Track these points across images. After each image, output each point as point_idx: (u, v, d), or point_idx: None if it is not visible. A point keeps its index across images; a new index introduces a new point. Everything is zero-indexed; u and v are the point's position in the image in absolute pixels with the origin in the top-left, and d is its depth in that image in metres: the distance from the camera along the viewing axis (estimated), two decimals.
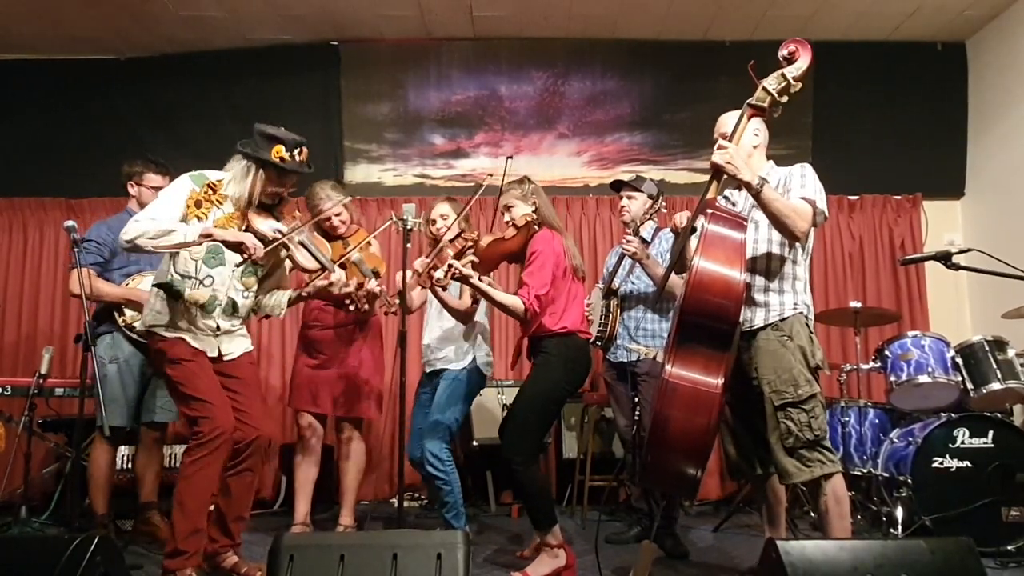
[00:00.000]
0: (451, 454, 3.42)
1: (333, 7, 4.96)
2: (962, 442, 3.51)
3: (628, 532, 3.78)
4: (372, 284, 3.33)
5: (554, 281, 3.00)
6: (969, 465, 3.48)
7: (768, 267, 2.61)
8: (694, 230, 2.60)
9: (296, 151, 2.79)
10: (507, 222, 3.13)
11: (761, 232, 2.61)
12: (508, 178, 3.27)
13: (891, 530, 3.58)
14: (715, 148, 2.48)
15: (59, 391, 4.06)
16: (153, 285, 2.85)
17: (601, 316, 3.57)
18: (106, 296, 3.54)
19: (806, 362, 2.52)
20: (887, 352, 4.02)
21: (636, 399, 3.55)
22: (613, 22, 5.21)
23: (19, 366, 5.05)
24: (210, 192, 2.80)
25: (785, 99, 2.47)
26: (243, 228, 2.83)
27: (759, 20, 5.12)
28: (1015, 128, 4.95)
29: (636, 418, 3.51)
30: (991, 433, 3.50)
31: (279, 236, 2.81)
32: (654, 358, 3.38)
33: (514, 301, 2.97)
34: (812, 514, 3.95)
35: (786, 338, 2.54)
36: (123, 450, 4.07)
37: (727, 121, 2.70)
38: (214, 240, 2.72)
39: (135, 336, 3.50)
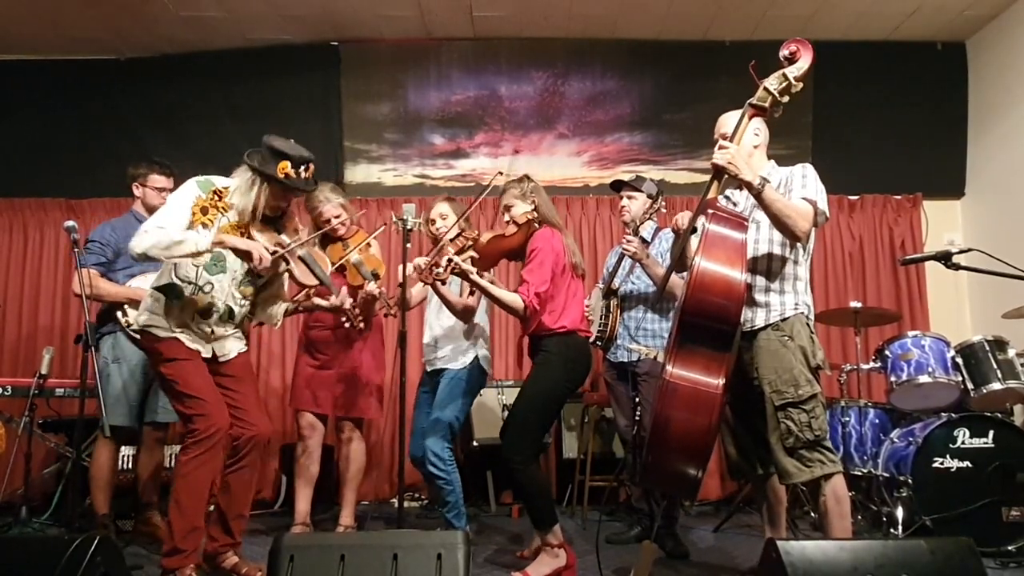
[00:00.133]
0: (452, 454, 3.42)
1: (333, 7, 4.96)
2: (962, 442, 3.51)
3: (628, 532, 3.78)
4: (372, 286, 3.34)
5: (553, 279, 2.99)
6: (969, 465, 3.48)
7: (769, 267, 2.61)
8: (695, 230, 2.60)
9: (302, 168, 2.78)
10: (507, 221, 3.13)
11: (762, 232, 2.61)
12: (507, 179, 3.28)
13: (891, 530, 3.58)
14: (716, 148, 2.48)
15: (59, 391, 4.06)
16: (153, 288, 2.85)
17: (601, 316, 3.57)
18: (108, 296, 3.54)
19: (807, 362, 2.52)
20: (887, 352, 4.02)
21: (636, 399, 3.55)
22: (613, 22, 5.21)
23: (19, 366, 5.06)
24: (216, 199, 2.80)
25: (786, 99, 2.47)
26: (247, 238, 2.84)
27: (759, 20, 5.12)
28: (1015, 128, 4.94)
29: (637, 418, 3.51)
30: (991, 433, 3.50)
31: (279, 249, 2.81)
32: (655, 358, 3.38)
33: (513, 298, 2.97)
34: (812, 514, 3.96)
35: (787, 338, 2.54)
36: (124, 450, 4.06)
37: (727, 121, 2.70)
38: (225, 247, 2.73)
39: (137, 336, 3.50)
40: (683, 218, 2.93)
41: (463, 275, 2.93)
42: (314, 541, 2.31)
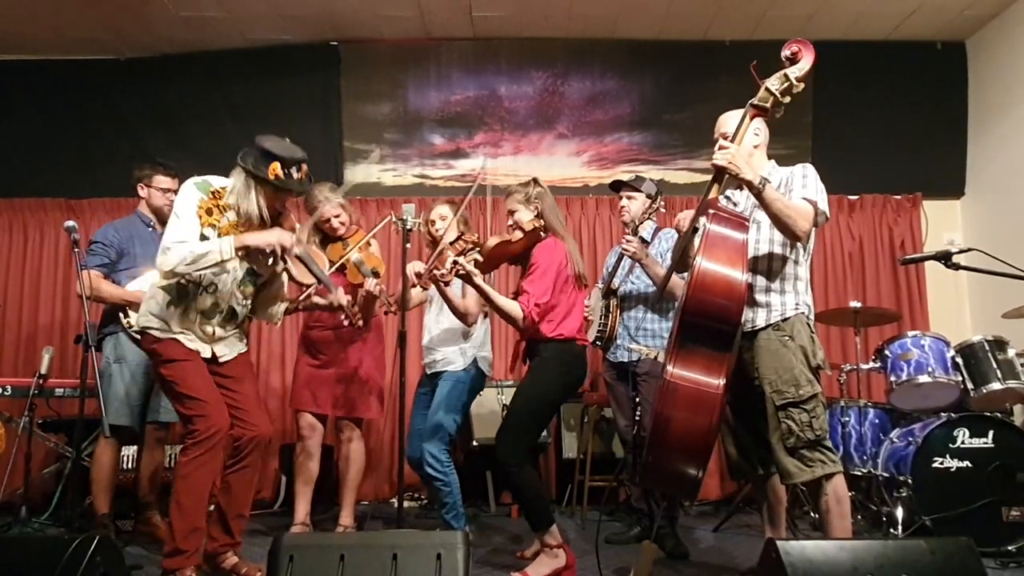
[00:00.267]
0: (450, 455, 3.42)
1: (333, 7, 4.96)
2: (962, 442, 3.51)
3: (628, 532, 3.78)
4: (371, 284, 3.34)
5: (554, 290, 3.00)
6: (969, 465, 3.48)
7: (770, 267, 2.61)
8: (696, 230, 2.60)
9: (294, 168, 2.76)
10: (510, 226, 3.13)
11: (763, 232, 2.61)
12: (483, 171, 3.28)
13: (891, 530, 3.58)
14: (716, 148, 2.48)
15: (59, 391, 4.06)
16: (158, 287, 2.83)
17: (601, 316, 3.57)
18: (109, 297, 3.55)
19: (807, 362, 2.53)
20: (887, 352, 4.02)
21: (636, 399, 3.55)
22: (613, 22, 5.21)
23: (19, 366, 5.06)
24: (216, 199, 2.79)
25: (788, 99, 2.47)
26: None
27: (759, 20, 5.12)
28: (1015, 128, 4.94)
29: (636, 418, 3.51)
30: (991, 433, 3.50)
31: (293, 234, 2.82)
32: (655, 358, 3.38)
33: (513, 307, 2.98)
34: (812, 514, 3.96)
35: (787, 338, 2.54)
36: (126, 450, 4.06)
37: (728, 120, 2.70)
38: (248, 249, 2.73)
39: (139, 337, 3.51)
40: (684, 218, 2.93)
41: (467, 278, 2.94)
42: (314, 541, 2.31)
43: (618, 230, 4.85)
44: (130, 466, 4.05)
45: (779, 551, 1.95)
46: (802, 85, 2.46)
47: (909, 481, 3.52)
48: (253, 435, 2.86)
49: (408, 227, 3.21)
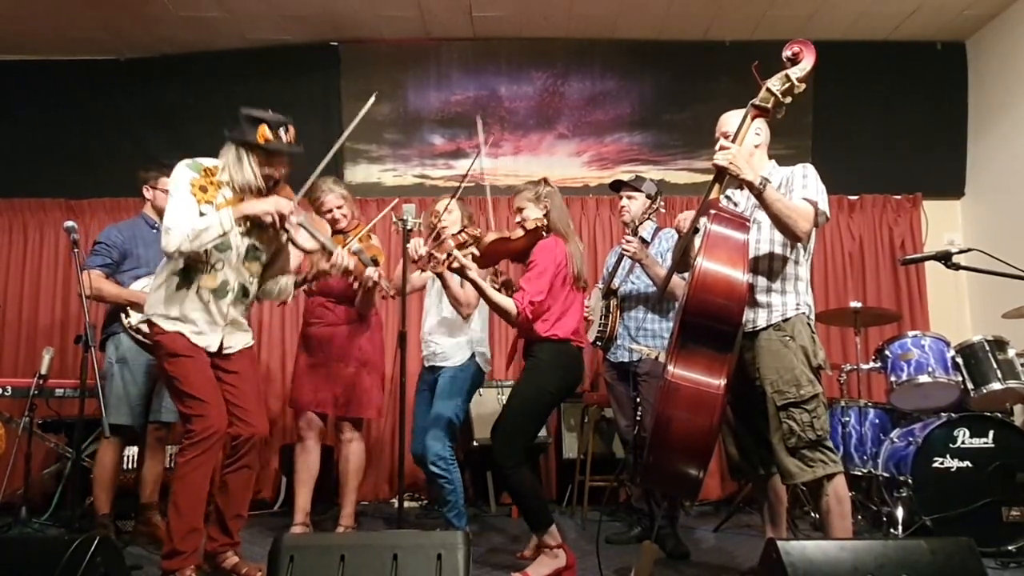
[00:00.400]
0: (454, 453, 3.42)
1: (333, 7, 4.96)
2: (962, 442, 3.51)
3: (629, 532, 3.78)
4: (371, 271, 3.33)
5: (551, 289, 3.00)
6: (969, 465, 3.48)
7: (770, 267, 2.61)
8: (697, 231, 2.60)
9: (282, 130, 2.78)
10: (518, 222, 3.13)
11: (763, 232, 2.61)
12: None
13: (892, 530, 3.58)
14: (717, 148, 2.48)
15: (59, 392, 4.06)
16: (165, 273, 2.82)
17: (601, 316, 3.57)
18: (110, 297, 3.55)
19: (808, 362, 2.53)
20: (887, 352, 4.02)
21: (637, 399, 3.55)
22: (613, 22, 5.21)
23: (19, 367, 5.06)
24: (208, 176, 2.80)
25: (789, 100, 2.48)
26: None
27: (759, 20, 5.12)
28: (1015, 128, 4.95)
29: (637, 418, 3.51)
30: (991, 433, 3.50)
31: (292, 201, 2.82)
32: (655, 358, 3.38)
33: (508, 303, 2.99)
34: (813, 514, 3.96)
35: (788, 338, 2.54)
36: (128, 450, 4.06)
37: (729, 120, 2.70)
38: (247, 217, 2.74)
39: (140, 338, 3.52)
40: (685, 219, 2.93)
41: (461, 271, 2.93)
42: (314, 541, 2.32)
43: (618, 230, 4.85)
44: (131, 467, 4.05)
45: (780, 551, 1.95)
46: (803, 86, 2.46)
47: (909, 481, 3.52)
48: (251, 434, 2.86)
49: (408, 227, 3.21)
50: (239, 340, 2.93)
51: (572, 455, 4.67)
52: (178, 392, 2.77)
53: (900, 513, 3.56)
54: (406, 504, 3.72)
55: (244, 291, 2.89)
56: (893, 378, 3.94)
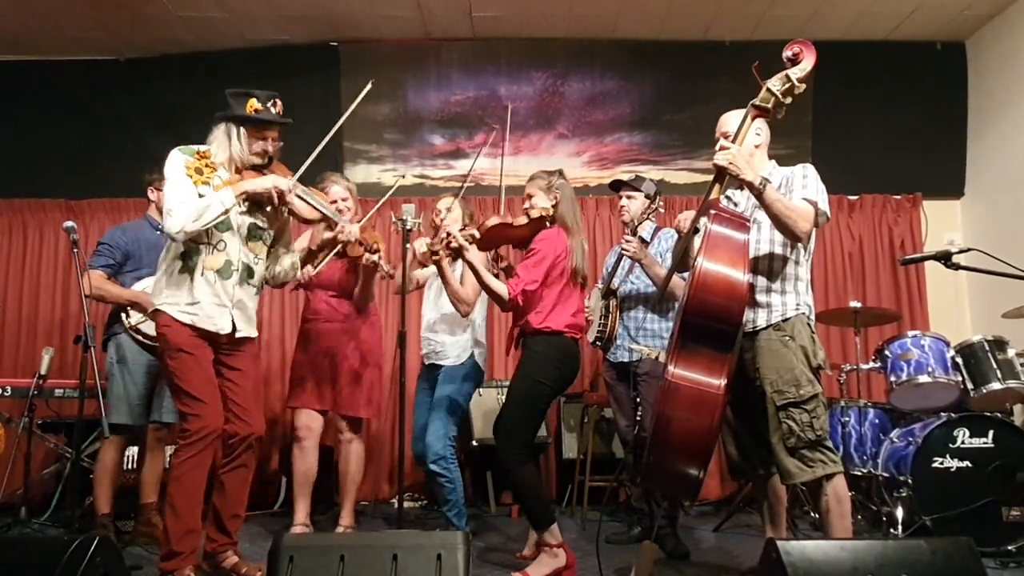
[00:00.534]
0: (455, 452, 3.42)
1: (333, 7, 4.96)
2: (962, 442, 3.51)
3: (629, 532, 3.78)
4: (371, 255, 3.33)
5: (547, 280, 3.00)
6: (969, 465, 3.48)
7: (770, 268, 2.61)
8: (697, 231, 2.60)
9: (270, 103, 2.81)
10: (525, 208, 3.14)
11: (763, 232, 2.61)
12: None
13: (891, 530, 3.58)
14: (717, 148, 2.48)
15: (59, 392, 4.05)
16: (168, 258, 2.82)
17: (600, 316, 3.57)
18: (111, 298, 3.56)
19: (808, 362, 2.53)
20: (887, 352, 4.02)
21: (637, 399, 3.55)
22: (613, 22, 5.21)
23: (19, 367, 5.06)
24: (202, 158, 2.82)
25: (789, 100, 2.48)
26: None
27: (759, 20, 5.12)
28: (1015, 128, 4.95)
29: (637, 419, 3.51)
30: (991, 433, 3.50)
31: (289, 179, 2.84)
32: (655, 358, 3.38)
33: (501, 288, 3.01)
34: (813, 514, 3.96)
35: (788, 338, 2.54)
36: (129, 450, 4.06)
37: (729, 120, 2.70)
38: (247, 193, 2.76)
39: (140, 338, 3.53)
40: (685, 219, 2.93)
41: (459, 251, 2.94)
42: (314, 541, 2.32)
43: (618, 230, 4.86)
44: (131, 467, 4.05)
45: (779, 551, 1.95)
46: (803, 86, 2.46)
47: (909, 481, 3.52)
48: (248, 433, 2.85)
49: (408, 227, 3.22)
50: (249, 324, 2.92)
51: (572, 455, 4.67)
52: (176, 389, 2.76)
53: (900, 513, 3.56)
54: (406, 504, 3.72)
55: (249, 271, 2.89)
56: (893, 378, 3.93)
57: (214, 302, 2.79)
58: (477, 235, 2.98)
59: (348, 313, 3.66)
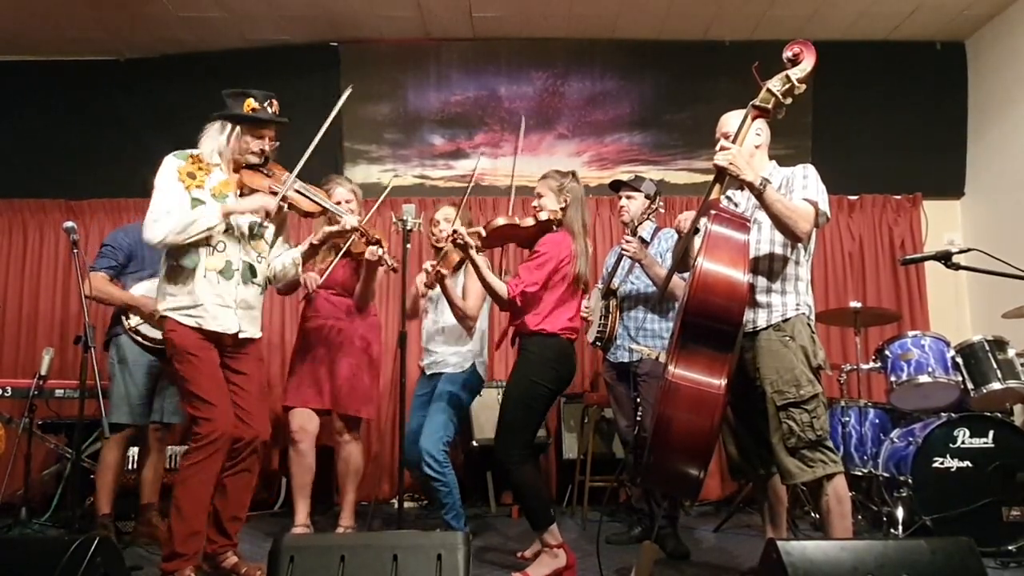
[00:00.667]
0: (448, 456, 3.42)
1: (333, 7, 4.96)
2: (962, 442, 3.51)
3: (629, 533, 3.78)
4: (373, 249, 3.33)
5: (547, 283, 3.01)
6: (969, 465, 3.48)
7: (771, 268, 2.61)
8: (697, 231, 2.60)
9: (267, 103, 2.84)
10: (534, 207, 3.14)
11: (763, 233, 2.61)
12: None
13: (892, 530, 3.58)
14: (717, 148, 2.48)
15: (59, 392, 4.05)
16: (167, 264, 2.82)
17: (600, 316, 3.57)
18: (113, 300, 3.57)
19: (808, 362, 2.53)
20: (887, 352, 4.02)
21: (637, 399, 3.55)
22: (613, 22, 5.21)
23: (19, 367, 5.05)
24: (197, 162, 2.82)
25: (789, 100, 2.48)
26: (239, 190, 2.88)
27: (759, 20, 5.12)
28: (1015, 128, 4.95)
29: (637, 419, 3.50)
30: (991, 433, 3.50)
31: (279, 189, 2.86)
32: (656, 359, 3.38)
33: (501, 287, 3.03)
34: (813, 514, 3.96)
35: (788, 338, 2.54)
36: (130, 451, 4.06)
37: (729, 120, 2.70)
38: (235, 213, 2.78)
39: (140, 340, 3.53)
40: (686, 219, 2.93)
41: (464, 248, 2.97)
42: (314, 542, 2.32)
43: (618, 230, 4.85)
44: (132, 467, 4.05)
45: (780, 551, 1.95)
46: (804, 86, 2.46)
47: (909, 481, 3.52)
48: (252, 437, 2.86)
49: (408, 227, 3.22)
50: (253, 325, 2.92)
51: (572, 455, 4.67)
52: (186, 392, 2.77)
53: (900, 513, 3.56)
54: (406, 504, 3.72)
55: (252, 270, 2.89)
56: (893, 378, 3.94)
57: (217, 303, 2.79)
58: (483, 233, 3.00)
59: (348, 312, 3.66)
